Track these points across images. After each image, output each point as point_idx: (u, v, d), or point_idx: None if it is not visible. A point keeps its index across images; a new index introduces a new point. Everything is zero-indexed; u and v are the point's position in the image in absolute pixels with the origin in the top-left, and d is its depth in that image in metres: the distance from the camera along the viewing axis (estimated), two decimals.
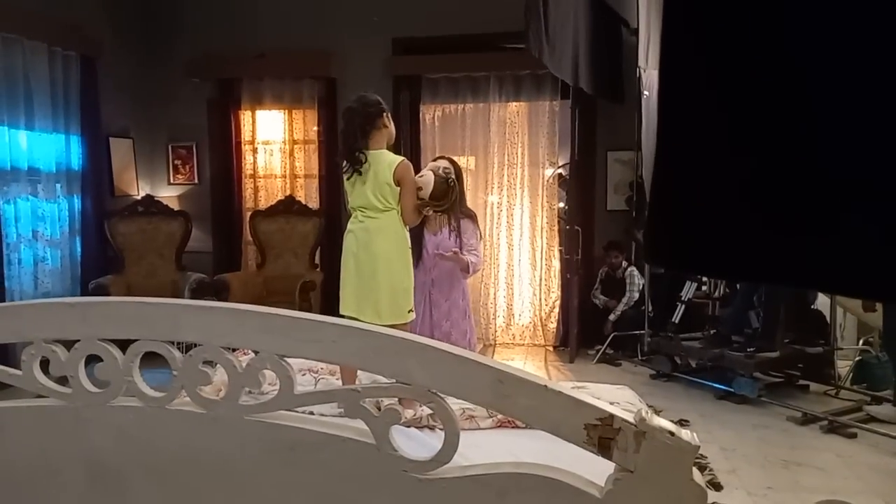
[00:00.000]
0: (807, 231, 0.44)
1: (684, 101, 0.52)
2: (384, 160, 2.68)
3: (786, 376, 4.61)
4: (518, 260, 5.98)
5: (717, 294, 5.11)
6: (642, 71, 4.67)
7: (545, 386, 1.14)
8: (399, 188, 2.67)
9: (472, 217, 3.32)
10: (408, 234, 2.80)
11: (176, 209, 5.76)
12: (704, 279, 5.03)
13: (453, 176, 2.98)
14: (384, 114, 2.73)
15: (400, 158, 2.71)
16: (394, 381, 1.22)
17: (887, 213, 0.41)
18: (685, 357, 4.77)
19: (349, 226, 2.78)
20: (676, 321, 4.84)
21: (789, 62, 0.46)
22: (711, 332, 4.72)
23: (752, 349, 4.29)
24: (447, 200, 2.95)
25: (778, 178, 0.45)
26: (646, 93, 4.61)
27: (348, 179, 2.72)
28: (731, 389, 4.27)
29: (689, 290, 4.92)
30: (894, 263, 0.42)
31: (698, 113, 0.51)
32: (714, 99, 0.49)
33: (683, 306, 4.89)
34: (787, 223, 0.45)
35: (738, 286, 4.82)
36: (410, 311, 2.76)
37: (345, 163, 2.73)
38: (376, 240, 2.68)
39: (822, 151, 0.43)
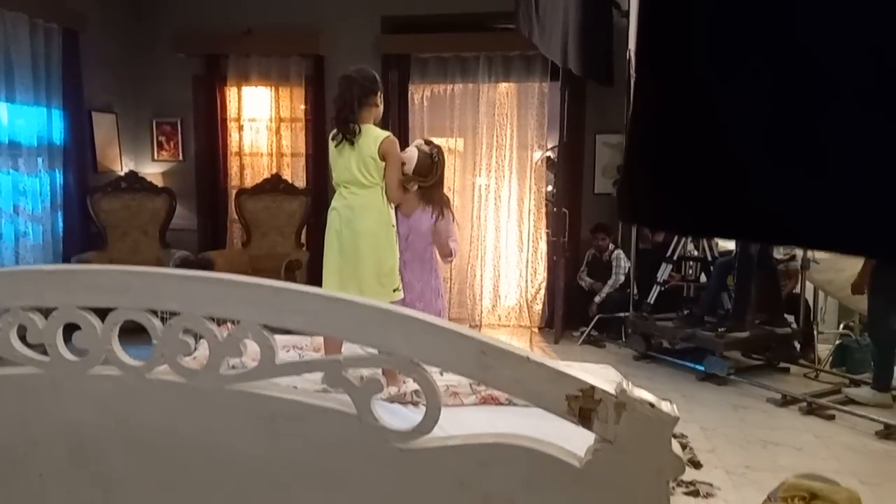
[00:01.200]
0: (795, 180, 0.43)
1: (662, 42, 0.51)
2: (370, 134, 2.66)
3: (766, 359, 4.68)
4: (505, 242, 5.99)
5: (692, 276, 5.17)
6: (632, 54, 4.65)
7: (527, 357, 1.14)
8: (384, 163, 2.66)
9: (447, 203, 3.30)
10: (392, 213, 2.78)
11: (160, 186, 5.69)
12: (681, 261, 5.13)
13: (435, 149, 2.97)
14: (378, 93, 2.73)
15: (386, 133, 2.70)
16: (377, 351, 1.22)
17: (883, 164, 0.41)
18: (658, 337, 4.86)
19: (333, 203, 2.76)
20: (651, 301, 4.95)
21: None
22: (685, 312, 4.82)
23: (722, 329, 4.40)
24: (432, 176, 2.94)
25: (764, 123, 0.44)
26: (636, 75, 4.60)
27: (336, 147, 2.70)
28: (702, 368, 4.37)
29: (664, 272, 5.01)
30: (888, 216, 0.41)
31: (676, 56, 0.50)
32: (694, 36, 0.48)
33: (659, 287, 4.99)
34: (775, 174, 0.44)
35: (711, 268, 4.91)
36: (396, 289, 2.75)
37: (335, 131, 2.71)
38: (360, 217, 2.66)
39: (812, 95, 0.43)
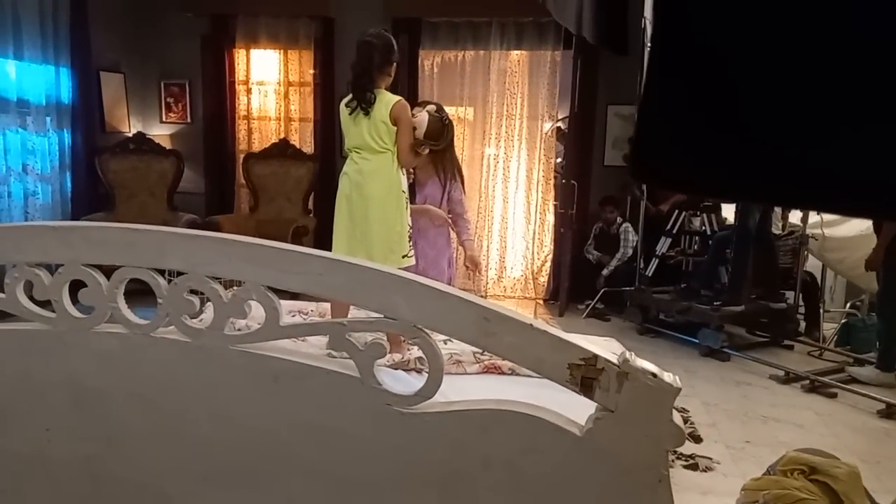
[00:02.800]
0: (805, 144, 0.42)
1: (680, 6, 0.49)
2: (382, 100, 2.65)
3: (771, 336, 4.67)
4: (512, 213, 5.96)
5: (691, 250, 5.17)
6: (648, 23, 4.56)
7: (530, 324, 1.14)
8: (395, 128, 2.64)
9: (459, 170, 3.28)
10: (403, 178, 2.77)
11: (168, 148, 5.68)
12: (680, 234, 5.12)
13: (445, 114, 2.95)
14: (395, 63, 2.73)
15: (397, 98, 2.68)
16: (380, 315, 1.21)
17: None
18: (656, 309, 4.87)
19: (344, 168, 2.75)
20: (649, 274, 4.97)
21: None
22: (682, 285, 4.83)
23: (718, 303, 4.41)
24: (443, 139, 2.92)
25: (777, 85, 0.42)
26: (650, 45, 4.51)
27: (350, 114, 2.67)
28: (696, 340, 4.41)
29: (662, 245, 5.02)
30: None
31: (693, 18, 0.48)
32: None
33: (657, 260, 5.01)
34: (780, 134, 0.43)
35: (710, 242, 4.89)
36: (406, 256, 2.75)
37: (349, 97, 2.68)
38: (370, 182, 2.65)
39: (827, 61, 0.41)
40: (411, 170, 3.04)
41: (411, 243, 2.81)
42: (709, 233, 5.02)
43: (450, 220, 3.23)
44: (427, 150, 2.90)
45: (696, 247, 5.15)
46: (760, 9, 0.44)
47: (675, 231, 5.06)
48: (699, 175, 0.49)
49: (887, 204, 0.42)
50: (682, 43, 0.49)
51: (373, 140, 2.64)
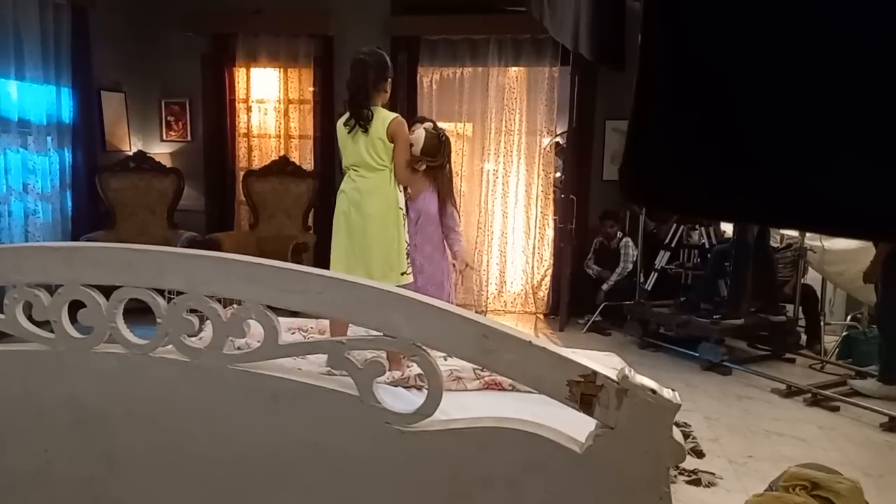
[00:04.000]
0: (799, 168, 0.43)
1: (672, 22, 0.50)
2: (378, 116, 2.66)
3: (772, 349, 4.66)
4: (512, 228, 5.97)
5: (690, 263, 5.17)
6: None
7: (529, 342, 1.14)
8: (392, 145, 2.65)
9: (450, 189, 3.29)
10: (400, 196, 2.78)
11: (168, 166, 5.70)
12: (679, 248, 5.14)
13: (442, 131, 2.98)
14: (389, 79, 2.74)
15: (394, 115, 2.70)
16: (379, 333, 1.21)
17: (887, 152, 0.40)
18: (655, 323, 4.87)
19: (342, 185, 2.76)
20: (649, 288, 4.98)
21: None
22: (682, 299, 4.83)
23: (717, 316, 4.42)
24: (440, 156, 2.94)
25: (771, 110, 0.43)
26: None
27: (349, 133, 2.69)
28: (696, 354, 4.40)
29: (661, 259, 5.03)
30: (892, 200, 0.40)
31: (685, 35, 0.49)
32: (705, 19, 0.47)
33: (656, 274, 5.02)
34: (780, 159, 0.43)
35: (709, 255, 4.90)
36: (404, 273, 2.75)
37: (346, 115, 2.70)
38: (368, 200, 2.66)
39: (820, 85, 0.42)
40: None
41: (409, 260, 2.81)
42: (707, 246, 5.03)
43: (444, 235, 3.24)
44: (424, 167, 2.92)
45: (695, 260, 5.16)
46: (761, 41, 0.45)
47: (673, 244, 5.07)
48: (700, 199, 0.50)
49: (881, 228, 0.43)
50: (680, 70, 0.49)
51: (370, 157, 2.65)
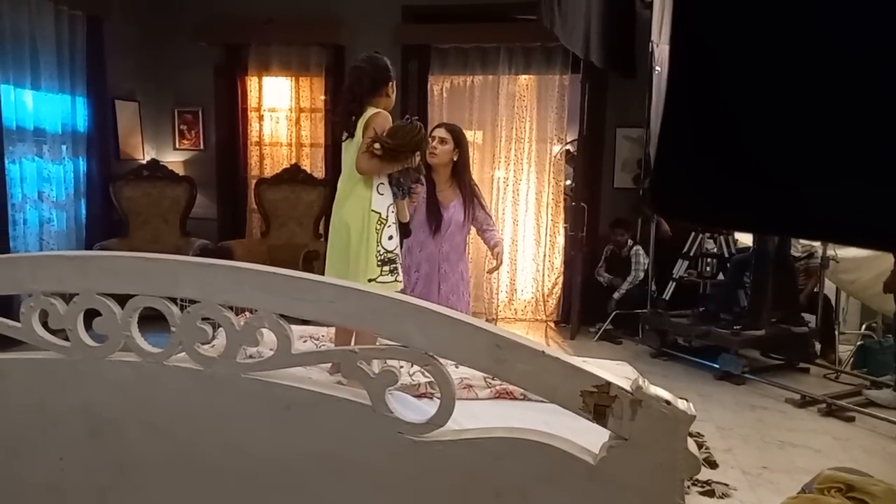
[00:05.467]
0: (808, 185, 0.43)
1: (698, 45, 0.51)
2: (363, 118, 2.53)
3: (785, 359, 4.61)
4: (522, 236, 5.96)
5: (708, 272, 5.12)
6: (655, 46, 4.59)
7: (542, 352, 1.13)
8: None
9: (475, 191, 3.30)
10: (377, 198, 2.56)
11: (181, 174, 5.75)
12: (697, 257, 5.07)
13: (418, 120, 2.64)
14: (391, 82, 2.60)
15: (376, 110, 2.52)
16: (391, 343, 1.22)
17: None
18: (673, 333, 4.82)
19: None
20: (667, 297, 4.92)
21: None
22: (700, 309, 4.77)
23: (738, 327, 4.34)
24: (398, 137, 2.52)
25: (789, 132, 0.43)
26: (657, 69, 4.54)
27: (342, 141, 2.65)
28: (710, 363, 4.34)
29: (679, 267, 4.97)
30: None
31: (711, 57, 0.49)
32: (732, 41, 0.47)
33: (674, 283, 4.95)
34: (790, 173, 0.44)
35: (728, 265, 4.84)
36: (372, 280, 2.54)
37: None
38: (343, 206, 2.57)
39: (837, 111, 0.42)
40: (420, 196, 2.98)
41: (394, 266, 2.61)
42: (725, 255, 4.98)
43: (481, 235, 3.30)
44: (379, 148, 2.48)
45: (712, 269, 5.10)
46: (775, 64, 0.45)
47: (691, 253, 5.00)
48: (717, 211, 0.50)
49: (890, 239, 0.43)
50: (697, 88, 0.50)
51: (352, 161, 2.55)
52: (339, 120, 2.64)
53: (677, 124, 0.53)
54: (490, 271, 3.77)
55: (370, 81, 2.55)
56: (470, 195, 3.19)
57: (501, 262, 3.34)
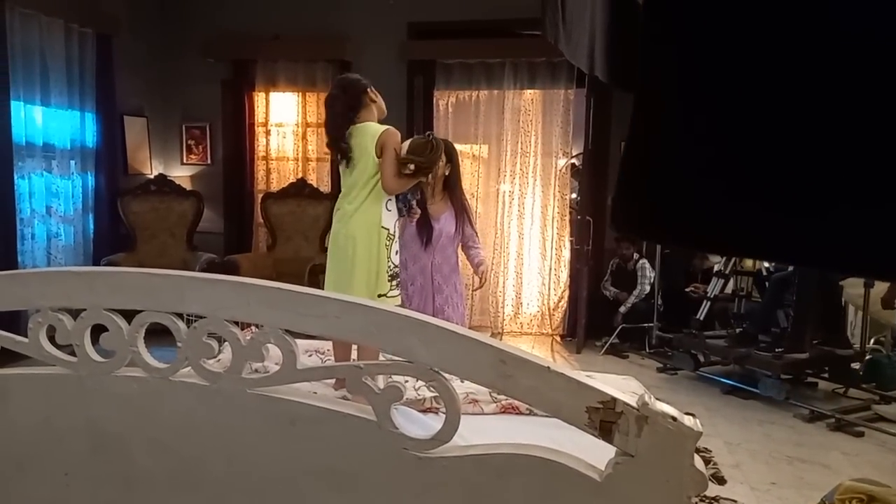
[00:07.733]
0: (805, 213, 0.43)
1: (667, 59, 0.51)
2: (368, 132, 2.56)
3: (794, 374, 4.56)
4: (528, 249, 5.97)
5: (742, 291, 4.94)
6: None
7: (548, 367, 1.13)
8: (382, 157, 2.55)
9: (467, 206, 3.32)
10: (386, 214, 2.63)
11: (188, 189, 5.79)
12: (731, 274, 4.90)
13: (433, 134, 2.77)
14: (367, 89, 2.62)
15: (385, 127, 2.57)
16: (396, 358, 1.22)
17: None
18: (708, 355, 4.60)
19: (336, 205, 2.72)
20: (701, 318, 4.67)
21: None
22: (737, 330, 4.55)
23: (779, 349, 4.10)
24: (426, 155, 2.65)
25: (772, 154, 0.43)
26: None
27: (339, 164, 2.69)
28: (756, 390, 4.13)
29: (715, 286, 4.75)
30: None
31: (682, 71, 0.49)
32: (703, 54, 0.48)
33: (709, 303, 4.72)
34: (780, 201, 0.44)
35: (766, 284, 4.70)
36: (381, 295, 2.60)
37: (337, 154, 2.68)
38: (349, 221, 2.59)
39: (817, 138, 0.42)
40: (416, 209, 2.97)
41: (395, 282, 2.67)
42: (764, 273, 4.79)
43: (465, 252, 3.29)
44: (412, 167, 2.62)
45: (747, 288, 4.87)
46: (779, 92, 0.45)
47: (727, 272, 4.80)
48: (709, 234, 0.50)
49: (883, 268, 0.43)
50: (689, 110, 0.50)
51: (361, 179, 2.58)
52: (332, 146, 2.66)
53: (646, 131, 0.54)
54: (475, 290, 3.79)
55: (343, 102, 2.58)
56: (461, 208, 3.21)
57: (485, 281, 3.34)
